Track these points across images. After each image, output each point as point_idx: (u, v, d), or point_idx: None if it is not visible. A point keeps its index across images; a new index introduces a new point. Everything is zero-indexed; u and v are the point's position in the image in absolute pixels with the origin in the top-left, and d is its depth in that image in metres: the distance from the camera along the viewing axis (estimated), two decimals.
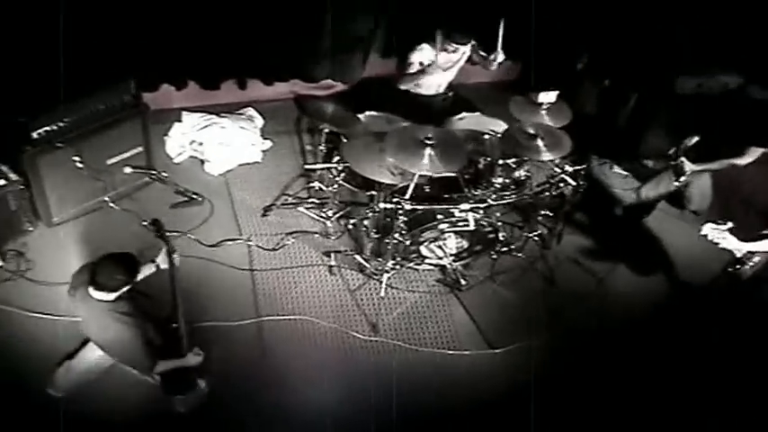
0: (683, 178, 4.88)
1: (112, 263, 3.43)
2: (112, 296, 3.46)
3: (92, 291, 3.45)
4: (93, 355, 3.93)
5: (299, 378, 4.26)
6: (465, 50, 5.47)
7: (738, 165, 4.70)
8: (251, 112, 6.09)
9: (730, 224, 4.26)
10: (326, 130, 5.12)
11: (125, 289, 3.46)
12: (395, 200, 4.44)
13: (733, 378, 4.48)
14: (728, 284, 4.88)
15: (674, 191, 5.10)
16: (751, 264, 4.56)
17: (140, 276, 3.76)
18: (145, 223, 4.64)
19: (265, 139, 5.92)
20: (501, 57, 5.21)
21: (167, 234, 3.74)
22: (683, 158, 4.85)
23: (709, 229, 4.25)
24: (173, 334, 3.73)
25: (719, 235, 4.25)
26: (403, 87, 5.54)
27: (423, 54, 5.40)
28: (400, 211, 4.42)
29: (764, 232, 4.40)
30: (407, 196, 4.39)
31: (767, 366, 4.50)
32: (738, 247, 4.33)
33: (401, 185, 4.53)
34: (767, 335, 4.62)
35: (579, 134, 4.79)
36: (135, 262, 3.53)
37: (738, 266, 4.58)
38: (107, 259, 3.45)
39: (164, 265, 3.77)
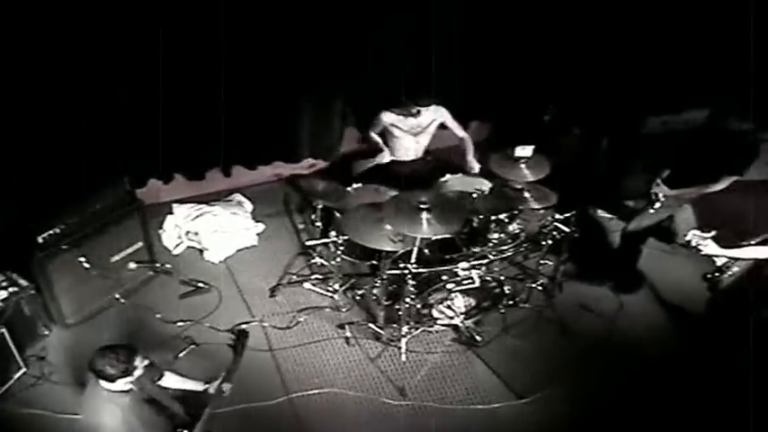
0: (657, 204, 5.02)
1: (109, 353, 3.30)
2: (114, 386, 3.33)
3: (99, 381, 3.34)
4: None
5: None
6: (432, 114, 5.66)
7: (712, 191, 4.87)
8: (239, 197, 6.22)
9: (714, 232, 4.39)
10: (320, 206, 5.26)
11: (128, 380, 3.34)
12: (401, 265, 4.59)
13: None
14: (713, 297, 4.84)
15: (658, 224, 5.27)
16: (729, 273, 4.65)
17: (178, 386, 3.81)
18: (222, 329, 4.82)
19: (258, 222, 6.02)
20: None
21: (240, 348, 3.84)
22: (658, 182, 5.02)
23: (692, 235, 4.36)
24: None
25: (702, 241, 4.35)
26: (361, 171, 5.74)
27: (385, 122, 5.61)
28: (408, 276, 4.54)
29: (744, 243, 4.49)
30: (413, 260, 4.54)
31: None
32: (719, 253, 4.42)
33: (402, 251, 4.68)
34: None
35: (560, 184, 5.05)
36: (132, 351, 3.38)
37: (717, 274, 4.66)
38: (106, 349, 3.33)
39: (212, 390, 3.75)
